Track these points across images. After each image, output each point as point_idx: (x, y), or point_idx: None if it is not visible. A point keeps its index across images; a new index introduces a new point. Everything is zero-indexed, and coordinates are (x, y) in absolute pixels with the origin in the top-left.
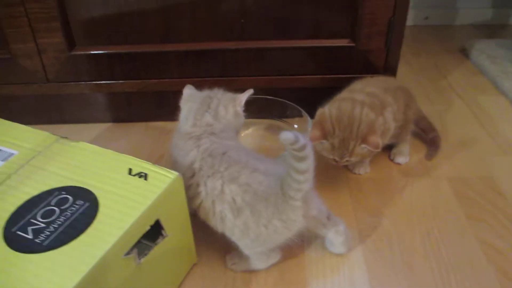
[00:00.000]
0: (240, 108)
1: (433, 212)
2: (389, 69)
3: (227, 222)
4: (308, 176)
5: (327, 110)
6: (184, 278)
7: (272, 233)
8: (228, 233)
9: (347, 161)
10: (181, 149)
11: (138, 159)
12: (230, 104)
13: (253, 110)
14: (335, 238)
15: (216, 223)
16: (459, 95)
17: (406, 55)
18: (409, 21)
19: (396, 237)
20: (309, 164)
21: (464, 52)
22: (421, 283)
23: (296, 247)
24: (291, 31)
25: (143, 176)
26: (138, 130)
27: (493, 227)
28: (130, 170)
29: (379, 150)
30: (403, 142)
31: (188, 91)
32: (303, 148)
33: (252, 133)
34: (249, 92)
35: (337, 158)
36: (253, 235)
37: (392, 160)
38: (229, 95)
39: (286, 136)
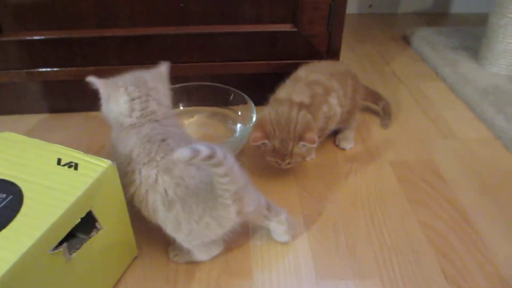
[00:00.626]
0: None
1: (377, 197)
2: (332, 54)
3: (159, 214)
4: (231, 178)
5: (266, 113)
6: (124, 272)
7: (204, 229)
8: (162, 226)
9: (288, 163)
10: (123, 140)
11: (68, 148)
12: (161, 80)
13: (197, 97)
14: (277, 227)
15: (149, 214)
16: (402, 81)
17: (351, 42)
18: (354, 9)
19: (341, 222)
20: (227, 168)
21: (406, 40)
22: (365, 267)
23: (241, 236)
24: (233, 16)
25: (73, 166)
26: (76, 121)
27: (434, 209)
28: (59, 160)
29: (315, 145)
30: (349, 128)
31: (101, 81)
32: (211, 157)
33: (197, 121)
34: (167, 64)
35: (279, 160)
36: (186, 230)
37: (337, 146)
38: (153, 71)
39: (180, 155)
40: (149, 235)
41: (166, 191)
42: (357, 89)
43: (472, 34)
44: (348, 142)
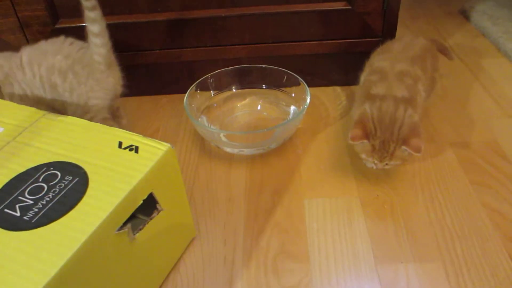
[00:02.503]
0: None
1: (437, 178)
2: (388, 33)
3: (59, 89)
4: (104, 41)
5: (368, 110)
6: (183, 253)
7: (89, 90)
8: (61, 106)
9: (386, 164)
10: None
11: (128, 132)
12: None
13: (249, 79)
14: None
15: (53, 95)
16: (461, 58)
17: (405, 18)
18: None
19: (399, 205)
20: (101, 28)
21: (465, 14)
22: (425, 251)
23: (296, 218)
24: None
25: (133, 149)
26: (131, 105)
27: (499, 192)
28: (120, 144)
29: (420, 154)
30: None
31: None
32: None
33: (249, 103)
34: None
35: (376, 161)
36: (76, 96)
37: None
38: None
39: None
40: (206, 217)
41: (60, 66)
42: (435, 65)
43: None
44: None
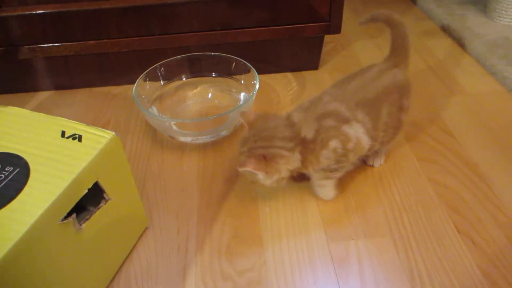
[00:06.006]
0: None
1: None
2: (335, 16)
3: None
4: None
5: (282, 116)
6: (136, 243)
7: None
8: None
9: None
10: None
11: (71, 121)
12: None
13: (199, 68)
14: None
15: None
16: None
17: (354, 3)
18: None
19: (349, 183)
20: None
21: None
22: (375, 227)
23: (249, 203)
24: None
25: (77, 137)
26: (81, 97)
27: (443, 166)
28: (63, 133)
29: (240, 170)
30: None
31: None
32: None
33: (200, 92)
34: None
35: None
36: None
37: None
38: None
39: None
40: (159, 207)
41: None
42: (403, 104)
43: None
44: None
